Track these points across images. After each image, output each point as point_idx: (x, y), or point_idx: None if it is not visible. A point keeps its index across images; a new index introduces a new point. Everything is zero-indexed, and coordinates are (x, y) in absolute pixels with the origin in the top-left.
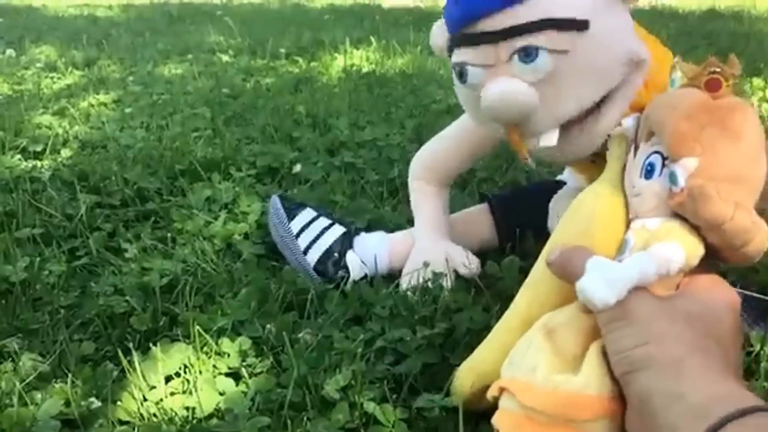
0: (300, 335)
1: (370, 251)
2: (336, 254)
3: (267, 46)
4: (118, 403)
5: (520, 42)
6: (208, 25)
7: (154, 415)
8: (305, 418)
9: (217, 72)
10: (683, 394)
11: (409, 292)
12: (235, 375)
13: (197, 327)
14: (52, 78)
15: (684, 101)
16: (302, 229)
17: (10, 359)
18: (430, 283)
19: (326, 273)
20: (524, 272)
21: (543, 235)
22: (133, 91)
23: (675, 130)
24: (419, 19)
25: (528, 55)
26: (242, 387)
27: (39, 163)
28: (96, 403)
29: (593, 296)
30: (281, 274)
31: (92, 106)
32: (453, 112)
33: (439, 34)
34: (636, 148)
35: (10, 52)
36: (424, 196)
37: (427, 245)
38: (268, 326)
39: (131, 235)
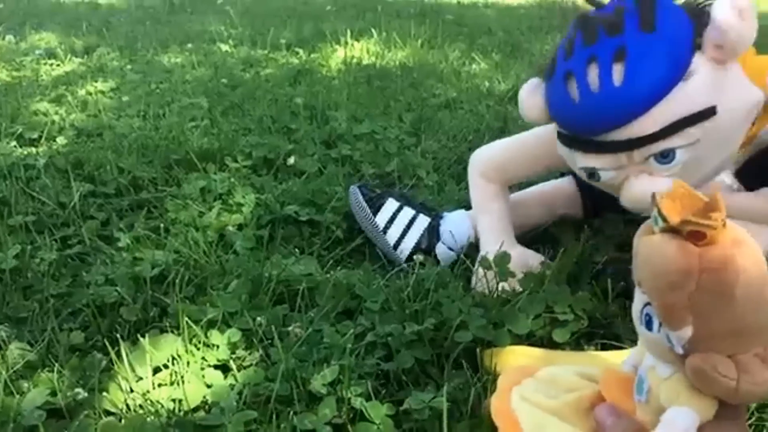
0: (290, 328)
1: (455, 232)
2: (424, 247)
3: (267, 36)
4: (105, 394)
5: (656, 148)
6: (209, 15)
7: (140, 406)
8: (292, 413)
9: (217, 62)
10: None
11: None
12: (223, 367)
13: (186, 318)
14: (51, 65)
15: (666, 267)
16: (388, 223)
17: None
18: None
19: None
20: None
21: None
22: (131, 79)
23: (662, 303)
24: (421, 12)
25: (665, 156)
26: (230, 380)
27: (34, 150)
28: (82, 394)
29: None
30: (272, 265)
31: (90, 94)
32: (451, 106)
33: (538, 104)
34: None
35: (9, 37)
36: (489, 196)
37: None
38: (258, 319)
39: (124, 224)
